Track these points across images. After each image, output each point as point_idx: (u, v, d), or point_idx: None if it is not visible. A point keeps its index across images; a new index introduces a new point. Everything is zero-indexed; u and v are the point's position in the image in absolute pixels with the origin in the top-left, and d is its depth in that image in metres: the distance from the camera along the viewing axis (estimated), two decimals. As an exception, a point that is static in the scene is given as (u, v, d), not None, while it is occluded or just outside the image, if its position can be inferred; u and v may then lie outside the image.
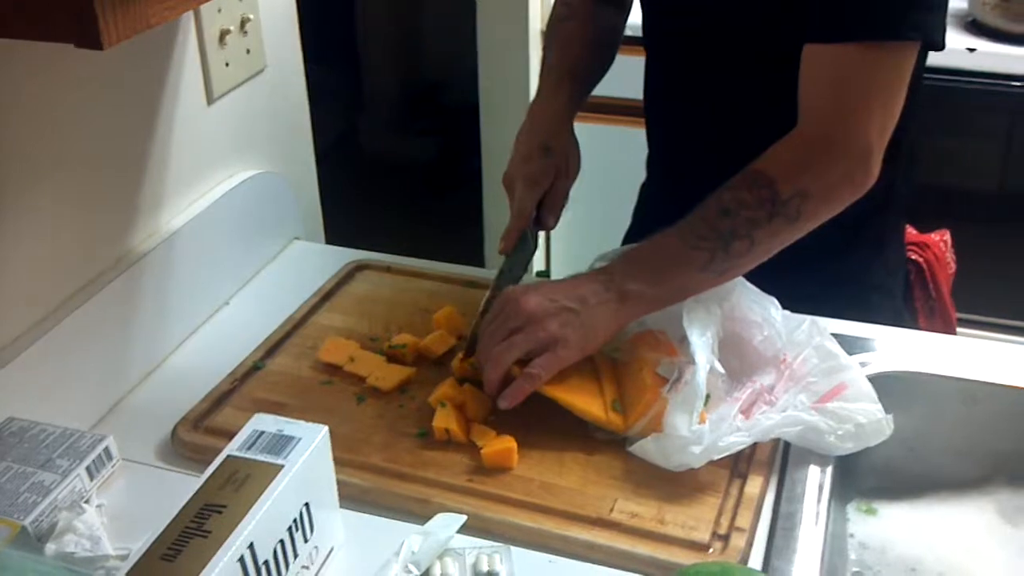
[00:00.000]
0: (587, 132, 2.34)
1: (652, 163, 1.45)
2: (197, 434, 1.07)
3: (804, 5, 1.06)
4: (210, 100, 1.31)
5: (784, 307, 1.11)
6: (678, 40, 1.28)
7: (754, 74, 1.19)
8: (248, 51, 1.36)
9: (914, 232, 1.40)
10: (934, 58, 2.06)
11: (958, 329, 2.16)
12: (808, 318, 1.12)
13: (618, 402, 1.05)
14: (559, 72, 1.31)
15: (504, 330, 1.04)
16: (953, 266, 1.43)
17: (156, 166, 1.23)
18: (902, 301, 1.38)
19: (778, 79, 1.09)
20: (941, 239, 1.42)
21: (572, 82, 1.30)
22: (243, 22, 1.34)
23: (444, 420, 1.04)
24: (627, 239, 1.47)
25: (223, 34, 1.30)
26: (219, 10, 1.29)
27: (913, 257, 1.40)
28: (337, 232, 1.70)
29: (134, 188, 1.20)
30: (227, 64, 1.32)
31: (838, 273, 1.28)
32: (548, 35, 1.37)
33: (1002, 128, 2.19)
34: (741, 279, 1.08)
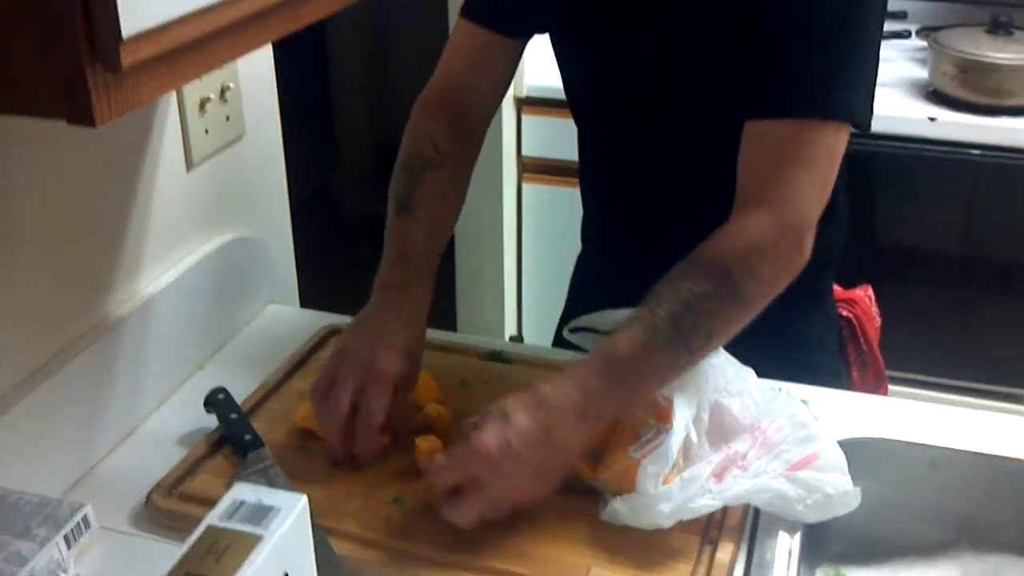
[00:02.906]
0: (558, 195, 2.39)
1: (587, 235, 1.45)
2: (172, 500, 1.07)
3: (745, 79, 1.09)
4: (190, 166, 1.33)
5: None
6: (617, 114, 1.28)
7: (696, 150, 1.21)
8: (228, 118, 1.38)
9: (840, 289, 1.44)
10: (896, 127, 2.14)
11: (918, 391, 2.21)
12: (784, 388, 1.14)
13: (597, 453, 1.07)
14: (427, 251, 1.19)
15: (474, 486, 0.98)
16: (878, 320, 1.49)
17: (135, 232, 1.24)
18: (839, 358, 1.41)
19: (721, 156, 1.11)
20: (866, 294, 1.47)
21: (435, 265, 1.20)
22: (223, 90, 1.36)
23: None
24: (565, 313, 1.46)
25: (203, 102, 1.32)
26: (200, 78, 1.31)
27: (844, 313, 1.44)
28: (310, 287, 1.71)
29: (112, 254, 1.21)
30: (207, 131, 1.34)
31: (781, 329, 1.30)
32: (408, 179, 1.22)
33: (963, 194, 2.24)
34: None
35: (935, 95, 2.24)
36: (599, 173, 1.38)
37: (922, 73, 2.32)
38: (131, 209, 1.23)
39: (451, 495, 0.99)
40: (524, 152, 2.43)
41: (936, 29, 2.36)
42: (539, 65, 2.37)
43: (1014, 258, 2.25)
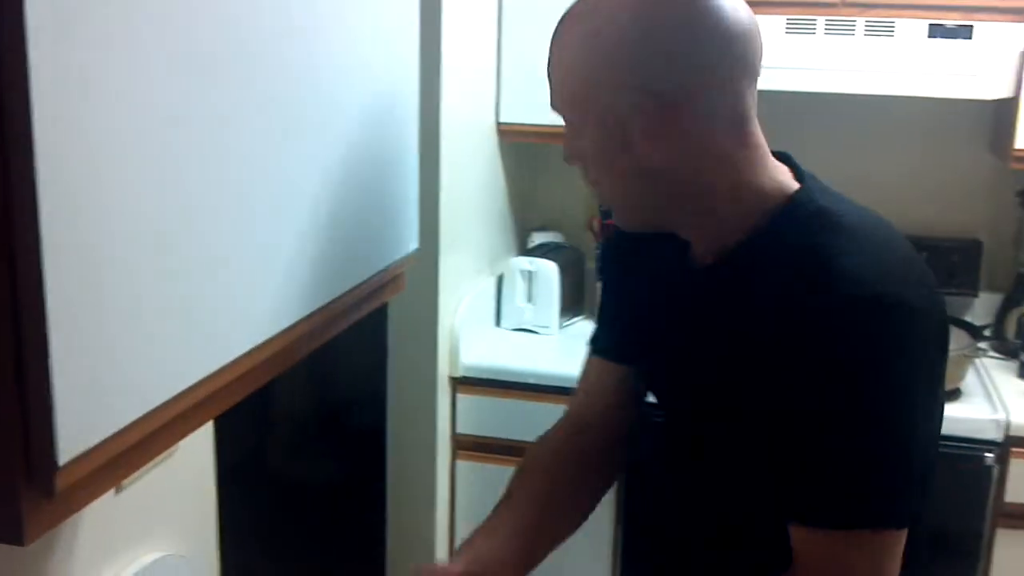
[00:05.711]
0: (491, 472, 2.38)
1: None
2: None
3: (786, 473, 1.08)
4: (119, 489, 1.31)
5: None
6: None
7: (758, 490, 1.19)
8: (160, 437, 1.37)
9: None
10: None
11: None
12: None
13: None
14: (522, 507, 1.27)
15: None
16: None
17: (58, 563, 1.20)
18: None
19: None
20: None
21: (531, 527, 1.25)
22: (158, 411, 1.35)
23: None
24: None
25: (137, 425, 1.31)
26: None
27: None
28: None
29: (31, 591, 1.17)
30: (138, 454, 1.33)
31: None
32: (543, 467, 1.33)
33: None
34: None
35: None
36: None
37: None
38: (56, 540, 1.20)
39: None
40: (458, 430, 2.44)
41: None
42: (474, 346, 2.43)
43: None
